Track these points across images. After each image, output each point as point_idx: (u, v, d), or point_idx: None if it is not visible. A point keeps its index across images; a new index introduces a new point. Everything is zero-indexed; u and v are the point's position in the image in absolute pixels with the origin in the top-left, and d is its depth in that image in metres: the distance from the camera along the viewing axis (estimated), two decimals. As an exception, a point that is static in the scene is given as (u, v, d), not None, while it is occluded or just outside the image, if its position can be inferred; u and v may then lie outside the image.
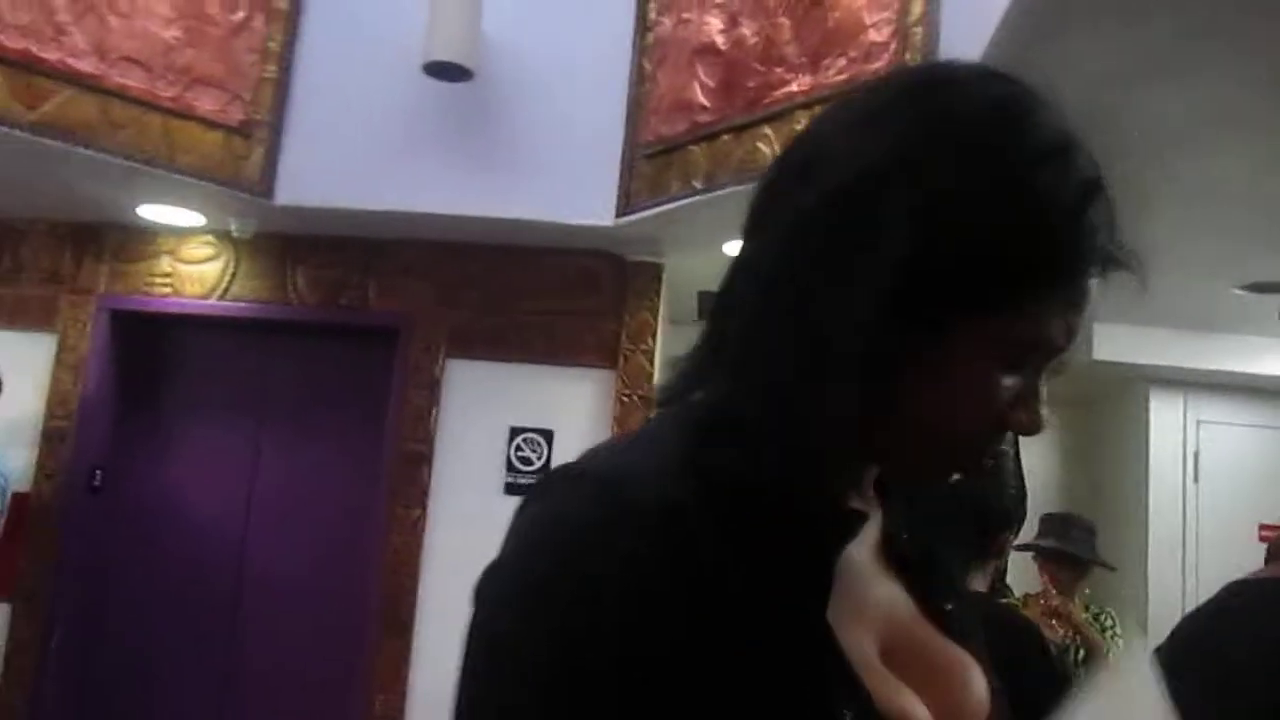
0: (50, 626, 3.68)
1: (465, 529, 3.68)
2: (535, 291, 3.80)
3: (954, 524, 0.95)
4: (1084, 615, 3.80)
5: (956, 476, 0.75)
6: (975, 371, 0.68)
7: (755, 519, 0.69)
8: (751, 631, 0.66)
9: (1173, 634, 1.46)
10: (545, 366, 3.77)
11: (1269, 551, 2.24)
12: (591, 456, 0.72)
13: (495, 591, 0.68)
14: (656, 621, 0.63)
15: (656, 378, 3.78)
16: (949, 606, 0.84)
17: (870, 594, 0.77)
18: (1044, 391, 0.72)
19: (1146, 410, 4.76)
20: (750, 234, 0.76)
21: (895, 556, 0.82)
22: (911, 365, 0.68)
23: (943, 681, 0.77)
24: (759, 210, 0.75)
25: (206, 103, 3.45)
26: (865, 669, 0.70)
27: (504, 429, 3.73)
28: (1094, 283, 0.70)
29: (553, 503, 0.68)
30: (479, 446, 3.73)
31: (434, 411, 3.74)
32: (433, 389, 3.75)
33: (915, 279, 0.65)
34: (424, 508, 3.68)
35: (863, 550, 0.77)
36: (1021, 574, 3.80)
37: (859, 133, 0.71)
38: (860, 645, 0.72)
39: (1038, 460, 4.84)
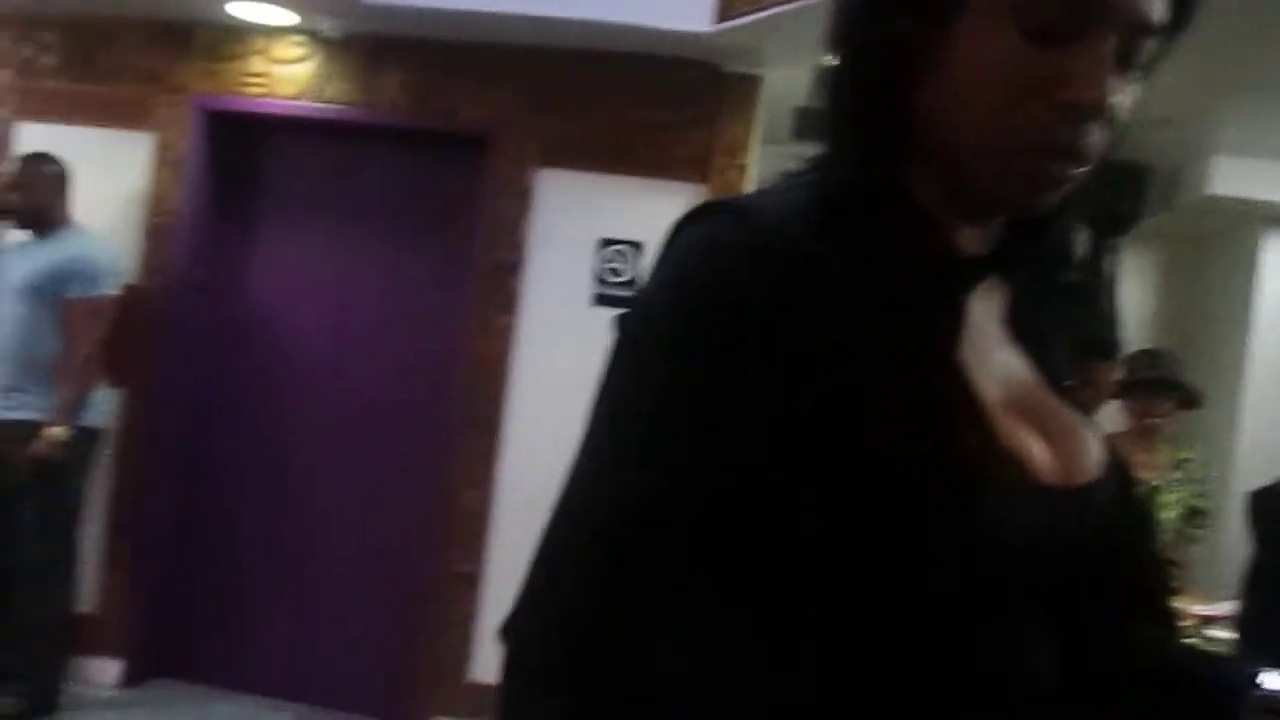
0: (158, 414, 3.86)
1: (553, 338, 3.74)
2: (628, 101, 3.71)
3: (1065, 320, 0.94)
4: (1177, 455, 3.74)
5: (1031, 191, 0.73)
6: (991, 41, 0.69)
7: (884, 261, 0.73)
8: (884, 355, 0.69)
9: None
10: (636, 179, 3.72)
11: None
12: (734, 197, 0.78)
13: (645, 306, 0.72)
14: (795, 332, 0.67)
15: (740, 187, 3.72)
16: (1067, 383, 0.85)
17: (993, 352, 0.79)
18: (1108, 65, 0.69)
19: (1256, 250, 4.56)
20: None
21: (1017, 331, 0.83)
22: (933, 52, 0.71)
23: (1061, 436, 0.79)
24: None
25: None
26: (988, 408, 0.73)
27: (594, 240, 3.72)
28: None
29: (700, 229, 0.72)
30: (569, 257, 3.73)
31: (524, 221, 3.74)
32: (523, 198, 3.74)
33: None
34: (513, 315, 3.73)
35: (988, 317, 0.80)
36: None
37: None
38: (983, 389, 0.74)
39: (1135, 295, 4.71)
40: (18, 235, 3.63)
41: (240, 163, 4.05)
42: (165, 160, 3.90)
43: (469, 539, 3.73)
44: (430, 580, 3.78)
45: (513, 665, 0.71)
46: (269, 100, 3.90)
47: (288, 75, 3.90)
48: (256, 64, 3.91)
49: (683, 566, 0.69)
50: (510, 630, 0.72)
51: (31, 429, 3.41)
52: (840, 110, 0.77)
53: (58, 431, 3.41)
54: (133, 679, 3.88)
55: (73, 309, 3.48)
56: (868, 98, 0.75)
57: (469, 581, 3.72)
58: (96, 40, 3.98)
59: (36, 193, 3.57)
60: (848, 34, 0.77)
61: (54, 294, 3.46)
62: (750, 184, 3.72)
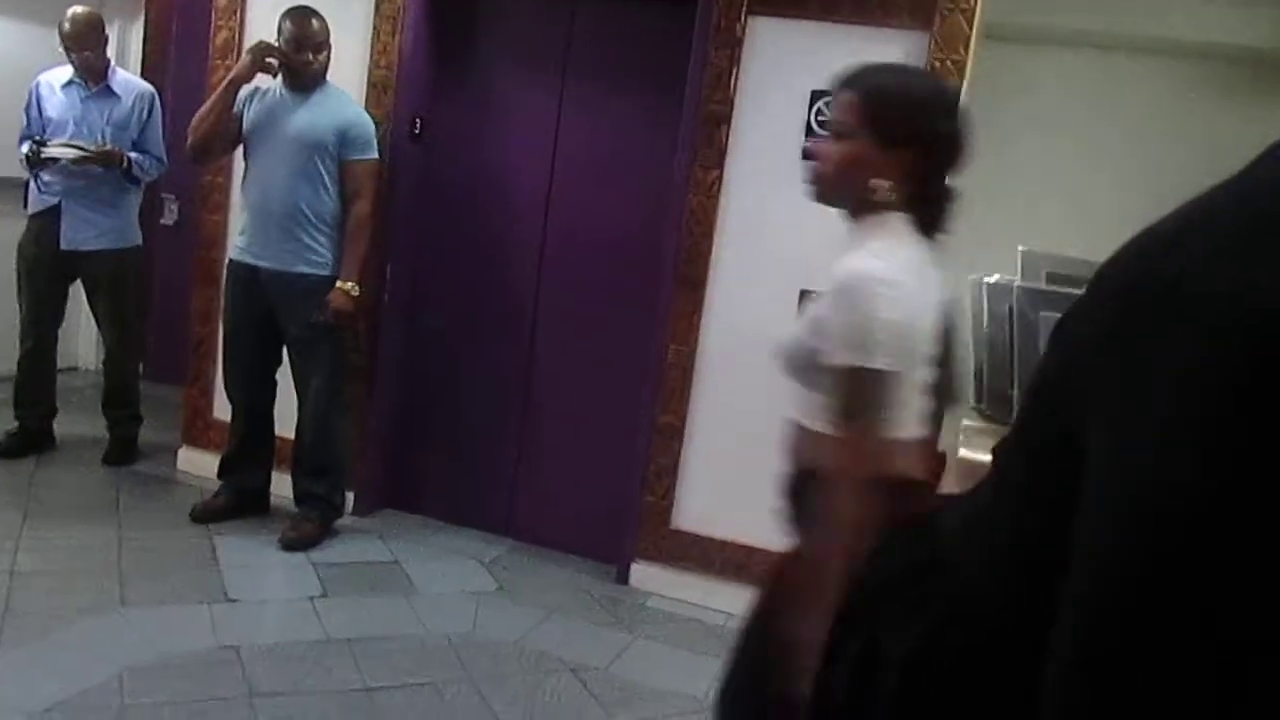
0: (380, 262, 4.05)
1: (761, 192, 3.68)
2: (848, -59, 3.52)
3: None
4: None
5: None
6: None
7: None
8: None
9: None
10: (852, 26, 3.54)
11: None
12: None
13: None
14: None
15: (974, 42, 3.49)
16: None
17: None
18: None
19: None
20: None
21: None
22: None
23: None
24: None
25: None
26: None
27: (805, 92, 3.60)
28: None
29: None
30: (779, 109, 3.63)
31: (734, 71, 3.64)
32: (734, 48, 3.63)
33: None
34: (721, 169, 3.68)
35: None
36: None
37: None
38: None
39: None
40: (272, 88, 3.79)
41: (456, 14, 4.09)
42: (383, 13, 3.98)
43: (675, 391, 3.80)
44: (638, 430, 3.89)
45: None
46: (482, -50, 3.90)
47: (500, -77, 3.87)
48: (469, -88, 3.89)
49: None
50: None
51: (325, 283, 3.70)
52: None
53: (352, 287, 3.70)
54: (364, 509, 4.21)
55: (356, 170, 3.73)
56: None
57: (674, 433, 3.81)
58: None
59: (320, 49, 3.73)
60: None
61: (336, 155, 3.68)
62: (976, 30, 3.49)
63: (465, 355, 4.25)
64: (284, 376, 3.98)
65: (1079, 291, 0.75)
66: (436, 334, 4.26)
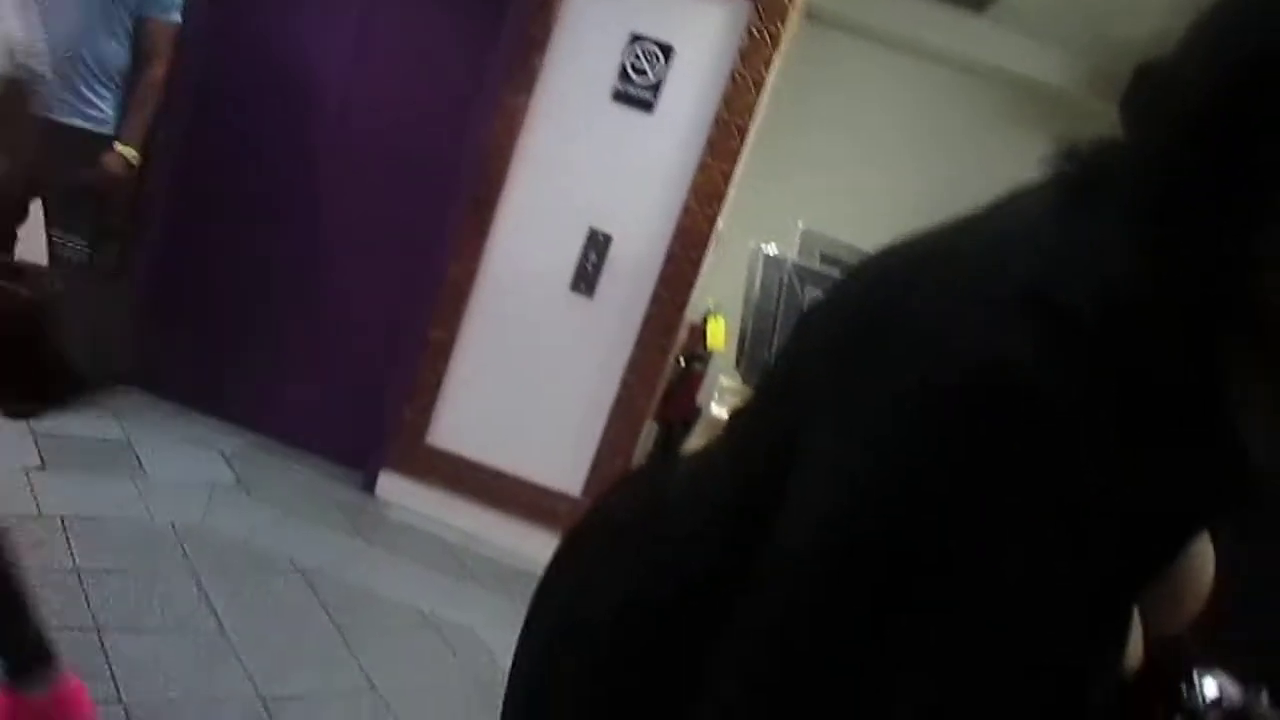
0: (161, 120, 3.76)
1: (564, 126, 3.67)
2: (690, -109, 3.53)
3: None
4: None
5: None
6: None
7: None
8: None
9: None
10: (681, -23, 3.58)
11: None
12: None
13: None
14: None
15: (791, 17, 3.59)
16: None
17: None
18: None
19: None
20: None
21: None
22: None
23: None
24: None
25: None
26: None
27: (625, 33, 3.60)
28: None
29: None
30: (596, 46, 3.62)
31: (558, -2, 3.60)
32: (562, -27, 3.59)
33: None
34: (529, 94, 3.64)
35: None
36: None
37: None
38: None
39: None
40: None
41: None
42: None
43: (449, 309, 3.76)
44: (406, 341, 3.83)
45: None
46: None
47: None
48: None
49: None
50: None
51: (101, 142, 3.38)
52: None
53: (132, 152, 3.40)
54: (100, 380, 3.96)
55: (154, 30, 3.44)
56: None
57: (442, 350, 3.79)
58: None
59: None
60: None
61: (134, 8, 3.37)
62: (795, 6, 3.59)
63: (235, 239, 4.03)
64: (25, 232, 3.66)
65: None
66: (207, 211, 4.02)
